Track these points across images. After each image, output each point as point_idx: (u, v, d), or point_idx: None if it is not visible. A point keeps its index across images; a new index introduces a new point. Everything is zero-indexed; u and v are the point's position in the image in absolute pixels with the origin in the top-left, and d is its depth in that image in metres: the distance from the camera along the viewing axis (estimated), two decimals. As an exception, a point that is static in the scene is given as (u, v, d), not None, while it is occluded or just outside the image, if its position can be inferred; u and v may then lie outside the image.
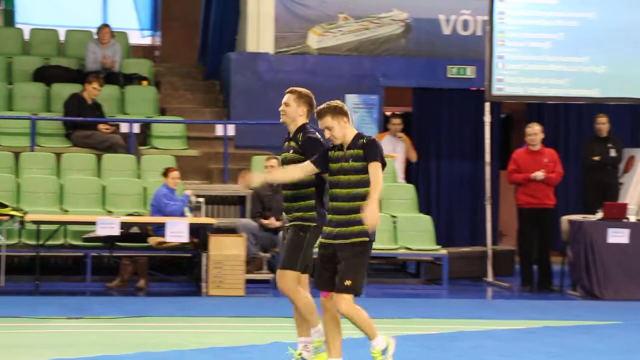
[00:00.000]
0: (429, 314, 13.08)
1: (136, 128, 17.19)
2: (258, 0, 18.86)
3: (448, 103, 19.40)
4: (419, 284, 16.75)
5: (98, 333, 11.03)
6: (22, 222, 14.47)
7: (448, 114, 19.43)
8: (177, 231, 14.08)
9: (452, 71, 19.12)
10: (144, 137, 17.55)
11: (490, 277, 16.79)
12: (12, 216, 14.34)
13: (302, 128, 8.83)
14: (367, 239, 8.22)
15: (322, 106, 8.47)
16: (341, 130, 8.36)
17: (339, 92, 18.53)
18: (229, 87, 18.73)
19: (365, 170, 8.21)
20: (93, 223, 14.05)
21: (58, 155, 16.65)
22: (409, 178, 18.40)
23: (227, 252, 14.37)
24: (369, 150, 8.23)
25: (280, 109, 8.87)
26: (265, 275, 15.36)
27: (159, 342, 10.32)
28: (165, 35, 22.01)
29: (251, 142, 17.63)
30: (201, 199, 15.53)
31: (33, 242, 14.63)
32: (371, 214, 8.03)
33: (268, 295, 14.68)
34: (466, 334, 11.35)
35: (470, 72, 19.05)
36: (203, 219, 15.08)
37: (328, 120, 8.38)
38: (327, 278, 8.29)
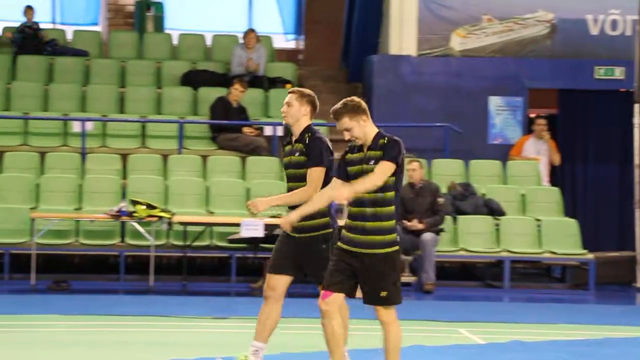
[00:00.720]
0: (575, 319, 12.83)
1: (280, 131, 17.35)
2: (401, 2, 18.83)
3: (595, 104, 19.02)
4: (564, 289, 16.47)
5: (243, 333, 11.16)
6: (170, 223, 14.77)
7: (595, 116, 19.04)
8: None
9: (600, 72, 18.75)
10: (288, 139, 17.69)
11: (639, 283, 16.41)
12: (160, 217, 14.64)
13: (308, 129, 8.44)
14: (397, 247, 7.71)
15: (337, 106, 7.76)
16: (361, 130, 7.70)
17: (482, 95, 18.40)
18: (371, 89, 18.76)
19: None
20: (238, 225, 14.23)
21: (204, 157, 16.94)
22: (554, 181, 18.12)
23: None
24: (387, 149, 7.57)
25: (282, 109, 8.47)
26: (407, 278, 15.31)
27: (300, 344, 10.38)
28: (309, 38, 22.18)
29: (394, 144, 17.60)
30: (344, 202, 15.53)
31: (180, 243, 14.92)
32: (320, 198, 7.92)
33: (410, 298, 14.63)
34: (614, 341, 11.10)
35: (619, 73, 18.65)
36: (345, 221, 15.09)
37: (346, 122, 7.68)
38: (338, 281, 7.72)
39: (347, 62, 20.35)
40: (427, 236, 15.26)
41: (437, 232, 15.50)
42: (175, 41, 20.10)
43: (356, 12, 19.83)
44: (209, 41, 20.16)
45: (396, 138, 7.65)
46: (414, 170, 14.81)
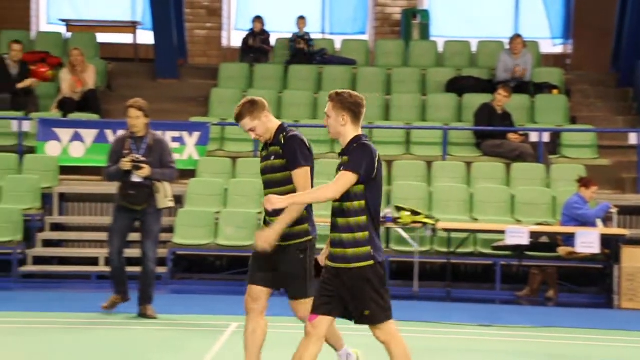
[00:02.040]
0: None
1: (546, 137, 17.08)
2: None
3: None
4: None
5: (507, 342, 11.08)
6: (434, 230, 14.82)
7: None
8: (587, 242, 13.84)
9: None
10: (554, 146, 17.41)
11: None
12: (424, 224, 14.72)
13: (281, 129, 7.82)
14: (372, 262, 7.00)
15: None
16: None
17: None
18: (643, 94, 18.21)
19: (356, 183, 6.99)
20: (502, 232, 14.12)
21: (468, 164, 16.90)
22: None
23: (640, 264, 13.95)
24: (351, 155, 7.03)
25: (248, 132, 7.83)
26: None
27: (565, 353, 10.20)
28: (577, 43, 21.75)
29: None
30: (614, 210, 15.15)
31: (444, 250, 14.94)
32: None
33: None
34: None
35: None
36: (615, 230, 14.72)
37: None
38: (324, 302, 7.08)
39: (617, 66, 19.82)
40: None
41: None
42: (440, 48, 20.17)
43: (628, 16, 19.28)
44: (474, 47, 20.11)
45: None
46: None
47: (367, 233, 7.00)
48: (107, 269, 12.47)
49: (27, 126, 17.03)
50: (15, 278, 15.12)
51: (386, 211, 14.67)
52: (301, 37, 19.87)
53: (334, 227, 7.06)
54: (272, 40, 20.30)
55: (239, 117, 7.79)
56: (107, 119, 17.43)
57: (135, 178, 11.39)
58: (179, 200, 15.06)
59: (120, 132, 12.58)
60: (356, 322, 7.12)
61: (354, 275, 6.99)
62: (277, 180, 7.73)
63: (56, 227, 16.36)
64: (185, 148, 16.82)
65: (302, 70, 19.41)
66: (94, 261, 15.56)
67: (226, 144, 17.67)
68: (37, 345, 10.28)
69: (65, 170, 16.76)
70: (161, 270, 14.56)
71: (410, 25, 20.86)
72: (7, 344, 10.29)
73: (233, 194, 16.21)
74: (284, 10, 21.89)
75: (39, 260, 15.68)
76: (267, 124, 7.76)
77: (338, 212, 7.05)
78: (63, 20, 20.91)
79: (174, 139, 16.64)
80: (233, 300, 13.52)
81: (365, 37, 22.06)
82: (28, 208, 15.83)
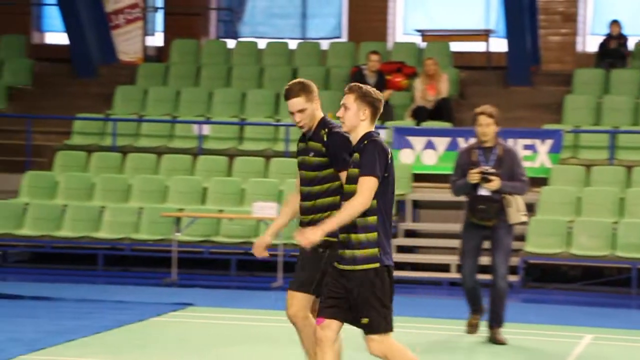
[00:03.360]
0: None
1: None
2: None
3: None
4: None
5: None
6: None
7: None
8: None
9: None
10: None
11: None
12: None
13: (323, 123, 7.27)
14: (377, 264, 6.63)
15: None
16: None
17: None
18: None
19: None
20: None
21: None
22: None
23: None
24: (363, 158, 6.74)
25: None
26: None
27: None
28: None
29: None
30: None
31: None
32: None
33: None
34: None
35: None
36: None
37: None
38: (330, 305, 6.74)
39: None
40: None
41: None
42: None
43: None
44: None
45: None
46: None
47: (376, 234, 6.67)
48: (458, 275, 12.53)
49: (383, 135, 17.49)
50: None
51: None
52: (616, 39, 19.14)
53: (342, 228, 6.70)
54: (630, 44, 19.69)
55: (293, 93, 7.22)
56: (459, 127, 17.56)
57: (484, 191, 10.57)
58: (530, 208, 14.92)
59: (468, 142, 12.40)
60: (361, 328, 6.75)
61: (358, 277, 6.68)
62: (311, 178, 7.31)
63: (410, 233, 16.67)
64: (537, 156, 16.66)
65: (623, 74, 18.76)
66: (445, 268, 15.72)
67: (580, 151, 17.32)
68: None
69: (419, 178, 17.05)
70: (512, 278, 14.46)
71: None
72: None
73: (587, 202, 15.87)
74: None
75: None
76: (315, 111, 7.27)
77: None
78: (418, 31, 21.29)
79: (526, 147, 16.53)
80: (587, 311, 13.25)
81: None
82: (385, 215, 16.20)
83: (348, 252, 6.70)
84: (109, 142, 18.31)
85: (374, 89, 6.88)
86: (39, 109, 19.34)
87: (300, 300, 7.26)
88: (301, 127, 7.27)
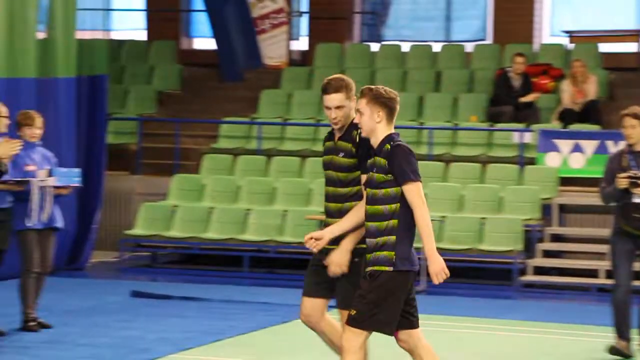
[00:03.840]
0: None
1: None
2: None
3: None
4: None
5: None
6: None
7: None
8: None
9: None
10: None
11: None
12: None
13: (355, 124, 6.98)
14: (389, 268, 6.53)
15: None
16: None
17: None
18: None
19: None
20: None
21: None
22: None
23: None
24: (395, 165, 6.75)
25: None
26: None
27: None
28: None
29: None
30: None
31: None
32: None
33: None
34: None
35: None
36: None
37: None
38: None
39: None
40: None
41: None
42: None
43: None
44: None
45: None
46: None
47: (394, 237, 6.56)
48: (608, 281, 12.26)
49: (527, 138, 17.27)
50: (516, 287, 15.35)
51: None
52: None
53: (367, 233, 6.68)
54: None
55: (334, 89, 7.11)
56: (608, 130, 17.21)
57: (637, 198, 9.92)
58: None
59: (617, 146, 12.05)
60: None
61: (368, 274, 6.61)
62: (340, 179, 7.12)
63: (556, 238, 16.41)
64: None
65: None
66: (593, 273, 15.42)
67: None
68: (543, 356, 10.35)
69: (565, 181, 16.78)
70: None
71: None
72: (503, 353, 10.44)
73: None
74: None
75: (538, 270, 15.81)
76: (351, 110, 7.08)
77: (369, 216, 6.67)
78: (566, 32, 20.95)
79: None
80: None
81: None
82: (528, 218, 16.01)
83: (369, 256, 6.66)
84: (254, 146, 18.55)
85: (386, 89, 6.79)
86: (187, 113, 19.71)
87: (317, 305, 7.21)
88: (335, 124, 7.13)
